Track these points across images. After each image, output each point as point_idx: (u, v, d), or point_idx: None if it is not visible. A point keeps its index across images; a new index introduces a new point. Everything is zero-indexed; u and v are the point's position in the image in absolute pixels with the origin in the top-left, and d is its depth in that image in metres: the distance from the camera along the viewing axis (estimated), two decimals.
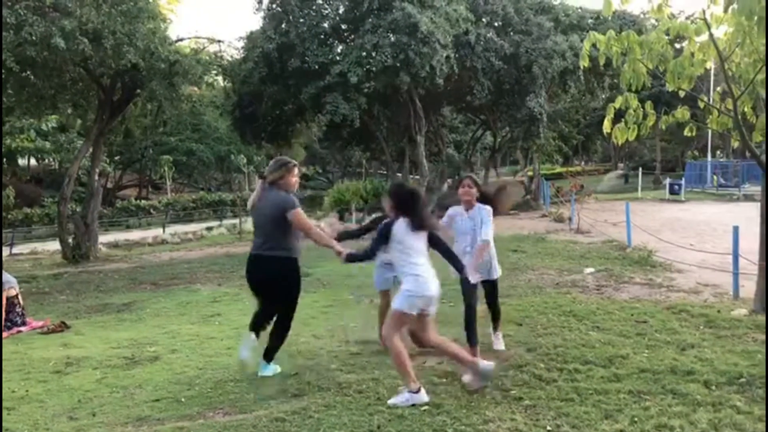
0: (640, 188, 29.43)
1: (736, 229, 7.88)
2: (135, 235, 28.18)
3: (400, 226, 4.47)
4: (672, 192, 25.50)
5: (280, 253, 4.99)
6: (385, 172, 27.80)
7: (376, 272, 5.82)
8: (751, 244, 7.61)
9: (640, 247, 11.49)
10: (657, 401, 4.20)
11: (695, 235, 13.81)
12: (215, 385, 5.05)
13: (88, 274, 14.97)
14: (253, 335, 5.09)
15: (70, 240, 18.67)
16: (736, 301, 7.42)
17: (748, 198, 23.70)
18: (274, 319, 5.17)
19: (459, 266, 4.81)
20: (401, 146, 27.84)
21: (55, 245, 21.35)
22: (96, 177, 20.43)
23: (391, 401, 4.30)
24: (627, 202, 15.26)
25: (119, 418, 4.47)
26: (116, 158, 42.66)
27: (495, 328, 5.77)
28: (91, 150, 19.72)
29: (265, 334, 5.18)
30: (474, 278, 5.06)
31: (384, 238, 4.54)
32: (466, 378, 4.60)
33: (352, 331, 6.67)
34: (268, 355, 5.16)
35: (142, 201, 41.70)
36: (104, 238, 23.30)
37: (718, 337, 5.74)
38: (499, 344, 5.69)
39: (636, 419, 3.91)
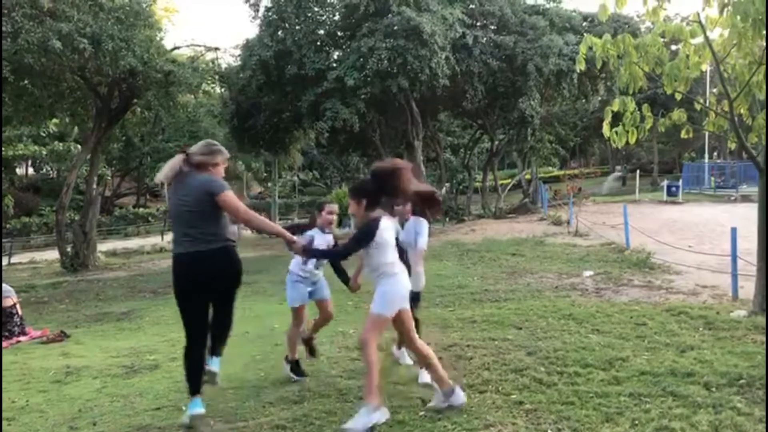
0: (637, 190, 29.47)
1: (734, 231, 7.90)
2: (133, 243, 28.15)
3: (385, 224, 4.24)
4: (670, 194, 25.54)
5: (218, 244, 4.24)
6: None
7: (291, 287, 5.31)
8: (749, 245, 7.63)
9: (639, 249, 11.50)
10: (657, 403, 4.20)
11: (693, 236, 13.83)
12: (215, 393, 5.03)
13: (86, 282, 14.96)
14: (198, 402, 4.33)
15: (69, 249, 18.67)
16: (735, 302, 7.43)
17: (745, 199, 23.74)
18: (218, 320, 4.50)
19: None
20: (399, 152, 27.83)
21: (53, 254, 21.33)
22: (94, 185, 20.45)
23: (346, 425, 3.99)
24: (625, 204, 15.28)
25: (120, 427, 4.46)
26: (114, 163, 42.62)
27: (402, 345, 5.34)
28: (88, 158, 19.74)
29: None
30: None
31: (370, 238, 4.16)
32: (434, 402, 4.34)
33: (352, 337, 6.67)
34: (218, 350, 4.55)
35: (140, 209, 41.66)
36: (103, 247, 23.28)
37: (717, 339, 5.75)
38: (424, 377, 4.86)
39: (637, 422, 3.91)
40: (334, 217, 5.31)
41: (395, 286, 4.20)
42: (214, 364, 4.52)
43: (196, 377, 4.32)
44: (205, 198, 4.16)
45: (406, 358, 5.36)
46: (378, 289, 4.22)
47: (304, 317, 5.38)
